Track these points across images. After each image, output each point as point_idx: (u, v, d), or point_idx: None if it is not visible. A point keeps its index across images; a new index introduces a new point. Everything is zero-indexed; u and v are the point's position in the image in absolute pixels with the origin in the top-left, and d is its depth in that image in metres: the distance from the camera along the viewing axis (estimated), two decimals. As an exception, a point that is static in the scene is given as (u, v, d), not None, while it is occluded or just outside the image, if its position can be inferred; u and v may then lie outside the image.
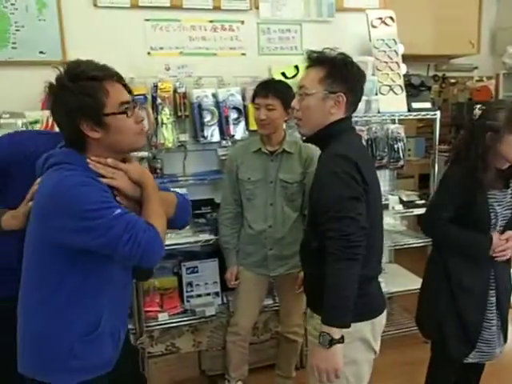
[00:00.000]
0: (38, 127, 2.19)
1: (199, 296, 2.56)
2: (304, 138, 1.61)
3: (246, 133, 2.61)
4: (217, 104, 2.56)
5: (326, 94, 1.47)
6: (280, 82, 2.23)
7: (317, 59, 1.52)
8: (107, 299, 1.29)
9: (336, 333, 1.33)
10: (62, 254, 1.18)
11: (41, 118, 2.21)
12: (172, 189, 1.50)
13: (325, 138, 1.50)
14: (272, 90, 2.08)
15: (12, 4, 2.33)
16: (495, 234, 1.85)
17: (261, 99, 2.08)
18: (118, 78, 1.25)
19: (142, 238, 1.13)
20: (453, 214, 1.83)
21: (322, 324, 1.36)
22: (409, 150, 3.89)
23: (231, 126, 2.58)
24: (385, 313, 1.56)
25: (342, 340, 1.34)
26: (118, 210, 1.14)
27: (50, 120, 2.21)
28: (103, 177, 1.21)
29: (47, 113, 2.24)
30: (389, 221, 2.73)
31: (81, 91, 1.16)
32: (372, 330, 1.50)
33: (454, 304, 1.85)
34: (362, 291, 1.39)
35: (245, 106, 2.62)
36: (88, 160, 1.21)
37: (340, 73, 1.48)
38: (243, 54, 2.74)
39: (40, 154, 1.30)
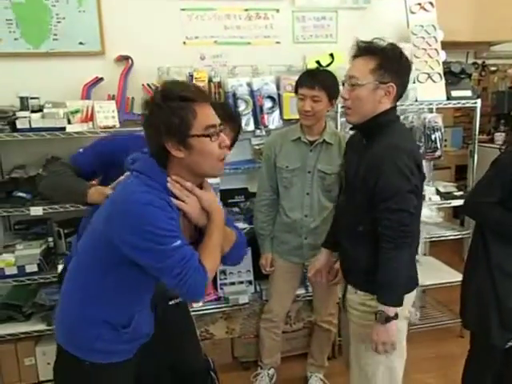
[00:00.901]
0: (78, 116, 2.25)
1: (232, 284, 2.60)
2: (351, 125, 1.65)
3: (281, 122, 2.60)
4: (251, 93, 2.56)
5: (377, 84, 1.51)
6: (326, 71, 2.16)
7: (367, 49, 1.53)
8: (140, 306, 1.37)
9: (391, 311, 1.51)
10: (113, 253, 1.22)
11: (81, 107, 2.27)
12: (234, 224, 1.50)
13: (375, 127, 1.56)
14: (318, 80, 2.01)
15: (53, -4, 2.40)
16: None
17: (306, 90, 2.02)
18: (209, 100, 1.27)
19: (190, 276, 1.17)
20: (498, 199, 1.75)
21: (378, 303, 1.53)
22: (445, 140, 3.77)
23: (265, 116, 2.58)
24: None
25: (396, 317, 1.51)
26: (179, 242, 1.17)
27: (90, 109, 2.27)
28: (176, 197, 1.23)
29: (87, 102, 2.31)
30: (425, 212, 2.67)
31: (170, 110, 1.19)
32: (409, 300, 1.64)
33: (494, 289, 1.79)
34: (413, 264, 1.62)
35: (279, 95, 2.61)
36: (168, 179, 1.24)
37: (391, 64, 1.51)
38: (278, 43, 2.73)
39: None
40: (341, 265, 1.81)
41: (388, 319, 1.51)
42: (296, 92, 2.09)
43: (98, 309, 1.29)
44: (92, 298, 1.28)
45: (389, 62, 1.50)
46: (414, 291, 1.66)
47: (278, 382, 2.50)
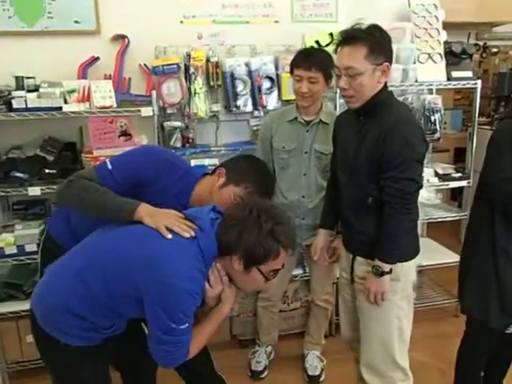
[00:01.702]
0: (74, 96, 2.23)
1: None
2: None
3: (279, 103, 2.58)
4: (249, 73, 2.54)
5: (374, 67, 1.58)
6: (322, 51, 2.13)
7: (355, 37, 1.57)
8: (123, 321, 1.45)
9: (386, 267, 1.64)
10: (130, 291, 1.28)
11: (77, 87, 2.25)
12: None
13: (377, 105, 1.63)
14: (315, 61, 1.98)
15: (48, -27, 2.35)
16: None
17: (303, 71, 1.99)
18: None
19: (172, 358, 1.30)
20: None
21: (376, 259, 1.65)
22: (445, 122, 3.75)
23: (264, 96, 2.55)
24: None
25: (390, 271, 1.64)
26: (187, 325, 1.28)
27: (86, 89, 2.25)
28: (208, 280, 1.35)
29: (84, 82, 2.29)
30: (423, 194, 2.67)
31: (262, 241, 1.29)
32: (413, 266, 1.76)
33: (497, 273, 1.80)
34: (415, 233, 1.72)
35: (278, 76, 2.59)
36: (215, 263, 1.35)
37: (381, 45, 1.59)
38: (276, 22, 2.69)
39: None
40: (346, 240, 1.85)
41: (383, 274, 1.64)
42: (291, 72, 2.07)
43: (88, 312, 1.33)
44: (86, 302, 1.32)
45: (378, 44, 1.57)
46: (417, 258, 1.76)
47: (275, 359, 2.55)
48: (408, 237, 1.67)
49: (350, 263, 1.81)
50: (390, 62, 1.62)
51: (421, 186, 1.63)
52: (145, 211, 1.39)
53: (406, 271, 1.71)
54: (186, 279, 1.24)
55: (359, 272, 1.77)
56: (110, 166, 1.51)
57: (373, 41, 1.56)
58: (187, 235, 1.31)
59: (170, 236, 1.30)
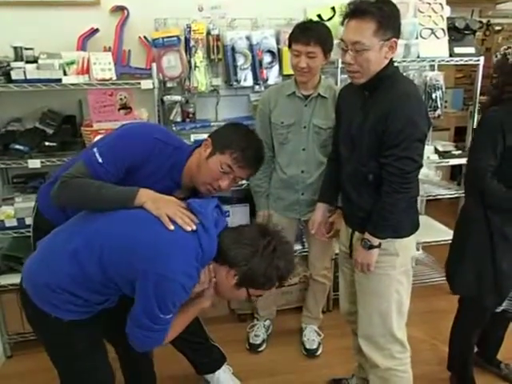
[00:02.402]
0: (73, 68, 2.21)
1: (230, 239, 2.63)
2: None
3: (280, 77, 2.56)
4: (250, 47, 2.51)
5: (382, 43, 1.53)
6: (320, 24, 2.10)
7: (363, 11, 1.51)
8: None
9: (375, 241, 1.66)
10: (126, 272, 1.30)
11: (77, 58, 2.22)
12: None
13: (382, 80, 1.59)
14: (313, 36, 1.94)
15: None
16: None
17: (301, 46, 1.96)
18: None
19: (148, 342, 1.34)
20: (496, 162, 1.75)
21: (366, 232, 1.67)
22: (446, 101, 3.72)
23: (264, 70, 2.53)
24: None
25: (379, 245, 1.67)
26: (171, 315, 1.32)
27: (86, 61, 2.23)
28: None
29: (83, 54, 2.26)
30: (423, 171, 2.66)
31: (267, 273, 1.34)
32: (413, 242, 1.78)
33: (492, 253, 1.82)
34: (415, 209, 1.74)
35: (279, 50, 2.56)
36: (209, 265, 1.38)
37: (390, 20, 1.53)
38: (278, -5, 2.64)
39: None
40: (346, 214, 1.85)
41: (371, 247, 1.67)
42: (289, 47, 2.04)
43: (81, 290, 1.34)
44: (80, 281, 1.32)
45: (387, 20, 1.52)
46: (416, 233, 1.77)
47: (273, 333, 2.59)
48: (404, 214, 1.66)
49: (349, 237, 1.82)
50: (398, 37, 1.56)
51: (421, 166, 1.61)
52: (146, 196, 1.38)
53: (405, 246, 1.72)
54: (184, 275, 1.27)
55: (357, 246, 1.78)
56: (100, 160, 1.44)
57: (382, 15, 1.49)
58: (189, 229, 1.31)
59: (172, 227, 1.30)
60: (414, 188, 1.66)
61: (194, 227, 1.31)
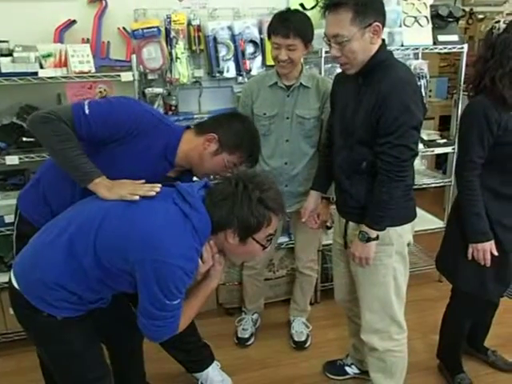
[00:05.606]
0: (50, 61, 2.14)
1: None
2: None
3: (263, 68, 2.53)
4: (232, 37, 2.47)
5: (363, 30, 1.51)
6: (299, 13, 2.04)
7: (337, 3, 1.50)
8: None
9: (373, 233, 1.63)
10: (121, 265, 1.28)
11: (53, 51, 2.15)
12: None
13: (375, 66, 1.56)
14: (293, 28, 1.90)
15: None
16: None
17: (280, 39, 1.92)
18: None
19: (162, 331, 1.32)
20: (485, 153, 1.73)
21: (363, 225, 1.64)
22: (430, 90, 3.72)
23: (247, 61, 2.50)
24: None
25: (377, 238, 1.63)
26: (179, 300, 1.29)
27: (63, 53, 2.17)
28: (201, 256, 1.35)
29: (60, 46, 2.20)
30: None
31: (253, 211, 1.29)
32: (411, 230, 1.76)
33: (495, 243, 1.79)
34: (410, 197, 1.70)
35: (262, 40, 2.52)
36: (208, 241, 1.36)
37: (366, 5, 1.49)
38: (259, -17, 2.60)
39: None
40: (339, 205, 1.83)
41: (369, 239, 1.64)
42: (269, 38, 2.00)
43: (78, 287, 1.32)
44: (77, 277, 1.30)
45: (364, 6, 1.49)
46: (414, 221, 1.76)
47: (261, 326, 2.58)
48: (401, 203, 1.64)
49: (343, 228, 1.80)
50: (382, 21, 1.53)
51: (416, 154, 1.59)
52: (102, 184, 1.39)
53: (400, 234, 1.70)
54: (182, 258, 1.24)
55: (352, 237, 1.76)
56: (87, 111, 1.43)
57: (356, 2, 1.47)
58: (153, 193, 1.33)
59: (137, 197, 1.32)
60: (409, 176, 1.64)
61: (158, 189, 1.34)
